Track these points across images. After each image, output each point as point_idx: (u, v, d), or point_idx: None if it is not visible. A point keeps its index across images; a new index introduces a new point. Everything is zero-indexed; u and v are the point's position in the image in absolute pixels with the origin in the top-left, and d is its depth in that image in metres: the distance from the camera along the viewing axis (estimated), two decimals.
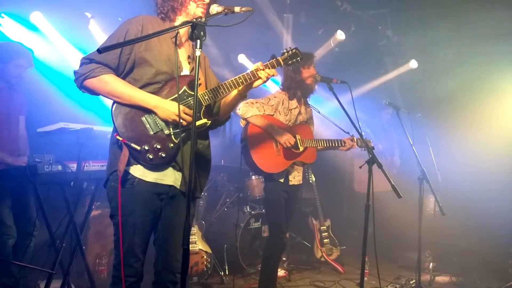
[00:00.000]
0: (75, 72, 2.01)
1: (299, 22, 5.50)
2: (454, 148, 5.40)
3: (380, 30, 5.77)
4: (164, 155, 1.99)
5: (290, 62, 2.38)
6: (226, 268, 4.33)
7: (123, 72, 2.05)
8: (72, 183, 2.94)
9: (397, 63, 6.28)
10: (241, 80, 2.14)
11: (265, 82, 2.22)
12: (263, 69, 2.17)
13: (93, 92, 2.02)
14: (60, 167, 2.81)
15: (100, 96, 2.09)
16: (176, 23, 2.14)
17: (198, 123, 2.06)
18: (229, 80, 2.12)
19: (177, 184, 2.09)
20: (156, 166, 2.01)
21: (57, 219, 3.20)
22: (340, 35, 5.55)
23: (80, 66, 2.00)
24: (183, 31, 2.14)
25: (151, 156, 1.97)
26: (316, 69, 3.39)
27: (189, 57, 2.20)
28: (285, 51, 2.39)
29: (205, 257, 4.03)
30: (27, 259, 3.27)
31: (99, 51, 1.68)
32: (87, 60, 1.99)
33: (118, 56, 2.01)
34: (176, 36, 2.04)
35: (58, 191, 3.09)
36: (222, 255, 4.38)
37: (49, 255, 3.15)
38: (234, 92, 2.22)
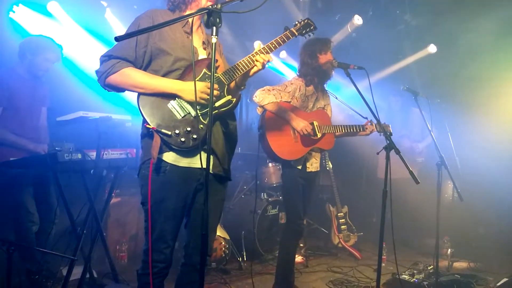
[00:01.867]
0: (96, 72, 2.04)
1: (315, 7, 5.42)
2: (473, 134, 5.29)
3: (398, 14, 5.65)
4: (195, 137, 2.01)
5: (304, 32, 2.35)
6: (244, 254, 4.37)
7: (143, 65, 2.07)
8: (91, 171, 2.99)
9: (415, 47, 6.14)
10: (255, 58, 2.12)
11: (262, 68, 2.15)
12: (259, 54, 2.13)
13: (117, 88, 2.05)
14: (79, 155, 2.85)
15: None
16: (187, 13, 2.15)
17: (222, 100, 2.08)
18: (245, 58, 2.11)
19: (209, 168, 2.07)
20: (188, 150, 2.02)
21: (78, 207, 3.27)
22: (358, 20, 5.45)
23: (100, 64, 2.03)
24: (195, 19, 2.15)
25: (183, 139, 1.99)
26: (333, 55, 3.35)
27: (203, 43, 2.21)
28: (297, 22, 2.36)
29: (223, 243, 4.07)
30: (49, 246, 3.35)
31: (117, 39, 1.68)
32: (106, 57, 2.02)
33: (135, 49, 2.03)
34: (189, 23, 2.05)
35: (78, 179, 3.15)
36: (240, 241, 4.43)
37: (70, 242, 3.23)
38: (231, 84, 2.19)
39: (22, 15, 3.88)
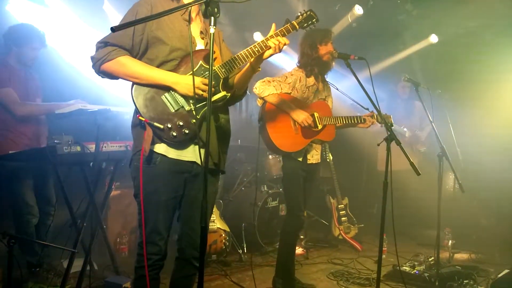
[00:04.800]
0: (92, 58, 2.01)
1: None
2: (475, 125, 5.26)
3: (399, 3, 5.58)
4: (187, 131, 2.00)
5: (306, 25, 2.27)
6: (244, 246, 4.38)
7: (138, 53, 2.04)
8: (91, 164, 2.98)
9: (416, 37, 6.09)
10: (256, 49, 2.06)
11: (277, 52, 2.08)
12: (274, 37, 2.07)
13: (111, 76, 2.02)
14: (78, 148, 2.84)
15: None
16: (185, 1, 2.11)
17: (217, 96, 2.06)
18: (244, 51, 2.06)
19: (199, 161, 2.05)
20: (180, 143, 2.02)
21: (78, 199, 3.26)
22: (358, 9, 5.39)
23: (96, 51, 2.00)
24: (193, 7, 2.11)
25: (174, 134, 1.98)
26: (334, 46, 3.32)
27: (201, 32, 2.17)
28: (299, 14, 2.28)
29: (223, 235, 4.07)
30: (49, 239, 3.36)
31: (113, 29, 1.65)
32: (102, 44, 1.99)
33: (132, 37, 2.00)
34: (188, 11, 2.02)
35: (77, 172, 3.14)
36: (240, 233, 4.43)
37: (70, 235, 3.22)
38: (247, 65, 2.16)
39: (19, 7, 3.83)
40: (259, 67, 2.17)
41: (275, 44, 2.05)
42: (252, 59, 2.10)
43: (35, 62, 3.36)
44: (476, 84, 5.43)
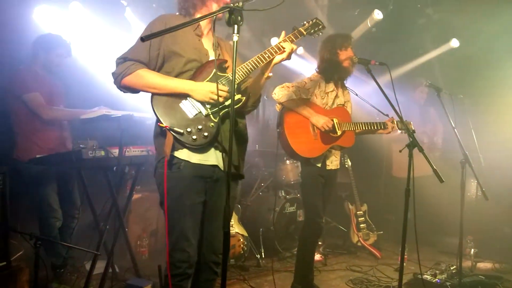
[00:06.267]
0: (112, 74, 2.12)
1: (335, 2, 5.36)
2: (497, 130, 5.16)
3: (419, 8, 5.54)
4: (206, 134, 2.07)
5: (312, 31, 2.39)
6: (262, 251, 4.38)
7: (156, 67, 2.14)
8: (114, 168, 3.05)
9: (437, 42, 6.02)
10: (266, 55, 2.14)
11: (286, 57, 2.18)
12: (283, 42, 2.17)
13: (131, 89, 2.13)
14: (103, 153, 2.90)
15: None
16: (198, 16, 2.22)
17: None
18: (254, 57, 2.15)
19: (221, 164, 2.14)
20: (200, 147, 2.08)
21: (101, 203, 3.33)
22: (377, 14, 5.36)
23: (116, 67, 2.11)
24: (205, 23, 2.23)
25: (194, 137, 2.05)
26: (353, 50, 3.31)
27: (213, 44, 2.25)
28: (305, 22, 2.40)
29: (241, 240, 4.09)
30: (73, 241, 3.43)
31: (142, 39, 1.75)
32: (121, 60, 2.10)
33: (148, 51, 2.10)
34: (200, 27, 2.17)
35: (101, 176, 3.21)
36: (258, 238, 4.43)
37: (93, 237, 3.29)
38: (258, 72, 2.24)
39: (44, 16, 3.95)
40: (270, 74, 2.23)
41: (283, 48, 2.15)
42: (263, 64, 2.17)
43: (60, 69, 3.47)
44: (497, 89, 5.34)
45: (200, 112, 2.09)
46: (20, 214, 3.48)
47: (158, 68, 2.14)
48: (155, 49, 2.11)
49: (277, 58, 2.17)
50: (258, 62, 2.14)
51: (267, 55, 2.14)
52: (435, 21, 5.72)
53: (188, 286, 2.12)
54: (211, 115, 2.09)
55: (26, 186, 3.27)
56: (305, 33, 2.34)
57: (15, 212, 3.16)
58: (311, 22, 2.40)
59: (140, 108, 3.13)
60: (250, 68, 2.14)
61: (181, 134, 2.03)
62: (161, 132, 2.09)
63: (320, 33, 2.45)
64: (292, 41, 2.23)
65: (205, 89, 2.05)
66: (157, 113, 2.07)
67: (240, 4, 1.81)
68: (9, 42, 3.54)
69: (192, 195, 2.09)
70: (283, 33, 2.23)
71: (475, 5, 5.22)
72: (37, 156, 3.04)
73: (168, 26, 2.06)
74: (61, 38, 3.46)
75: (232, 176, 2.19)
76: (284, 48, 2.15)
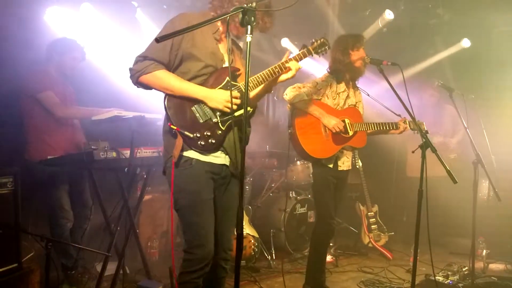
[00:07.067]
0: (130, 69, 2.14)
1: (346, 2, 5.32)
2: (509, 130, 5.10)
3: (430, 8, 5.49)
4: (213, 141, 2.12)
5: (319, 51, 2.49)
6: (273, 252, 4.36)
7: (173, 67, 2.17)
8: (126, 169, 3.05)
9: (448, 42, 5.96)
10: (276, 70, 2.22)
11: (291, 76, 2.27)
12: (292, 60, 2.27)
13: (147, 87, 2.16)
14: (114, 154, 2.91)
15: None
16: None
17: (242, 110, 2.14)
18: (265, 71, 2.22)
19: (228, 163, 2.21)
20: (207, 151, 2.13)
21: (112, 204, 3.34)
22: (389, 14, 5.33)
23: (134, 63, 2.13)
24: (223, 29, 2.24)
25: (202, 143, 2.10)
26: (365, 51, 3.29)
27: (227, 50, 2.25)
28: (313, 40, 2.48)
29: (252, 241, 4.08)
30: (84, 242, 3.45)
31: (157, 40, 1.77)
32: (141, 58, 2.12)
33: (169, 53, 2.13)
34: (219, 30, 2.21)
35: (112, 177, 3.21)
36: (268, 239, 4.42)
37: (104, 238, 3.30)
38: (262, 85, 2.29)
39: (56, 17, 3.98)
40: (271, 90, 2.37)
41: (289, 68, 2.25)
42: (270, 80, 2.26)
43: (73, 73, 3.49)
44: (510, 89, 5.27)
45: (210, 118, 2.13)
46: (31, 215, 3.50)
47: (175, 68, 2.17)
48: (175, 49, 2.13)
49: (283, 76, 2.26)
50: (268, 75, 2.22)
51: (276, 70, 2.22)
52: (446, 21, 5.67)
53: (202, 284, 2.15)
54: (220, 123, 2.14)
55: (38, 187, 3.29)
56: (313, 52, 2.45)
57: (26, 213, 3.17)
58: (319, 41, 2.48)
59: (151, 109, 3.14)
60: (260, 81, 2.21)
61: (190, 138, 2.08)
62: (170, 131, 2.13)
63: (325, 53, 2.56)
64: (300, 59, 2.35)
65: (220, 97, 2.10)
66: (168, 113, 2.11)
67: (254, 4, 1.81)
68: (22, 43, 3.56)
69: (208, 190, 2.15)
70: (287, 53, 2.33)
71: (486, 6, 5.17)
72: (49, 157, 3.05)
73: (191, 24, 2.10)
74: (75, 42, 3.49)
75: (236, 176, 2.25)
76: (290, 68, 2.25)
